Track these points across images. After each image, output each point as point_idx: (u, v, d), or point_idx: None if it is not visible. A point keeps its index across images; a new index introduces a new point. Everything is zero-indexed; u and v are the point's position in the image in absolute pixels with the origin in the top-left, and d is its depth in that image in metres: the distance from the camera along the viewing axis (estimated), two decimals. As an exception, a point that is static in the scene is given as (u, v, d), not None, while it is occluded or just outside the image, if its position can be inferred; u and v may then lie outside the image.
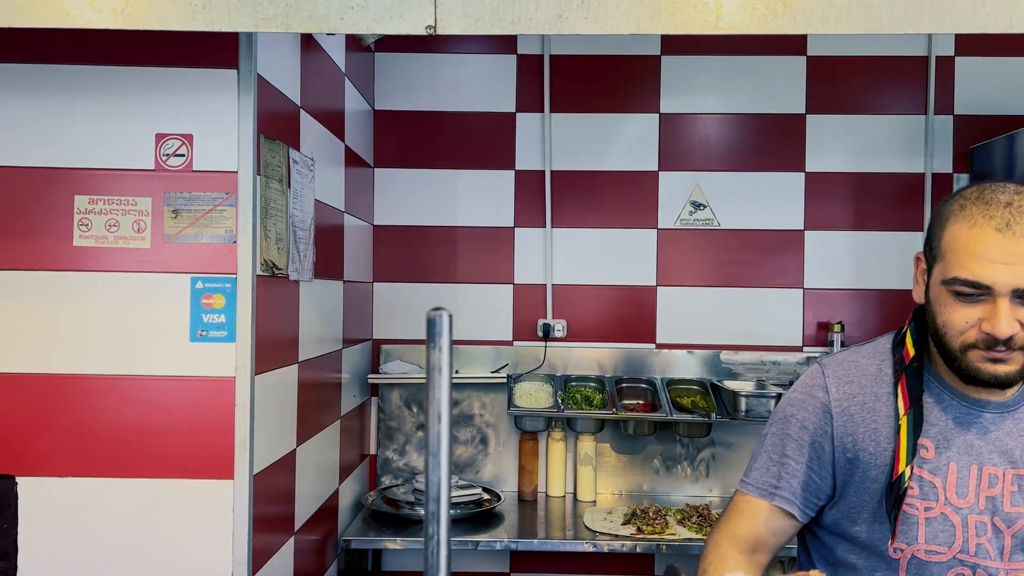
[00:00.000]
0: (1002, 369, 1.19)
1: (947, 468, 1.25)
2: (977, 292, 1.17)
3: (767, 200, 3.20)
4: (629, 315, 3.20)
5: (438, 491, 0.74)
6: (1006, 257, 1.14)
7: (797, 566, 1.43)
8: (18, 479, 1.83)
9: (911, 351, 1.29)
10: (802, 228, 3.20)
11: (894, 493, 1.22)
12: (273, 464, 2.04)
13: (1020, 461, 1.27)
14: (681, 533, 2.65)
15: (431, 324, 0.77)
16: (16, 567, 1.81)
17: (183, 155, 1.85)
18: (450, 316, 0.77)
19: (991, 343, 1.17)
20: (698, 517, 2.77)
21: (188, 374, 1.85)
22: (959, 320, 1.19)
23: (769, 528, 1.35)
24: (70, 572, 1.82)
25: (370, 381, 3.12)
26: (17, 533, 1.82)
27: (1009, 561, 1.24)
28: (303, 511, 2.33)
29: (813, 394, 1.34)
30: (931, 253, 1.25)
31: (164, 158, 1.85)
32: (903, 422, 1.24)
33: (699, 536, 2.63)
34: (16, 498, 1.82)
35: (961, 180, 3.17)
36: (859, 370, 1.33)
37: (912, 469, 1.23)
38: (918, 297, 1.32)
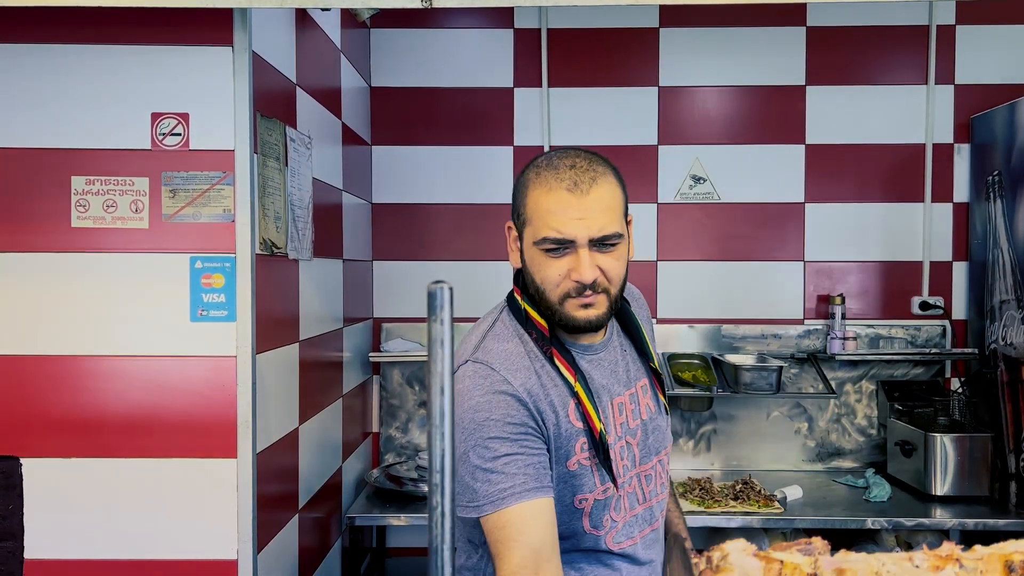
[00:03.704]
0: (592, 313, 1.33)
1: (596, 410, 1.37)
2: (562, 246, 1.30)
3: (767, 173, 3.19)
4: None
5: (442, 463, 0.73)
6: (579, 213, 1.29)
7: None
8: (22, 460, 1.83)
9: (543, 322, 1.37)
10: (803, 201, 3.19)
11: (603, 450, 1.33)
12: (276, 442, 2.05)
13: (626, 383, 1.44)
14: (684, 506, 2.66)
15: (432, 297, 0.76)
16: (23, 547, 1.82)
17: (179, 134, 1.84)
18: (451, 289, 0.77)
19: (580, 289, 1.31)
20: (700, 490, 2.78)
21: (189, 354, 1.85)
22: (553, 274, 1.32)
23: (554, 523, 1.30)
24: (76, 552, 1.83)
25: (371, 359, 3.12)
26: (23, 514, 1.82)
27: (642, 463, 1.41)
28: (307, 489, 2.34)
29: (497, 390, 1.32)
30: (519, 220, 1.37)
31: (160, 137, 1.84)
32: (579, 388, 1.34)
33: (701, 508, 2.64)
34: (21, 479, 1.83)
35: (962, 150, 3.15)
36: (516, 356, 1.36)
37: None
38: (515, 263, 1.42)
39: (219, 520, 1.84)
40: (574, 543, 1.37)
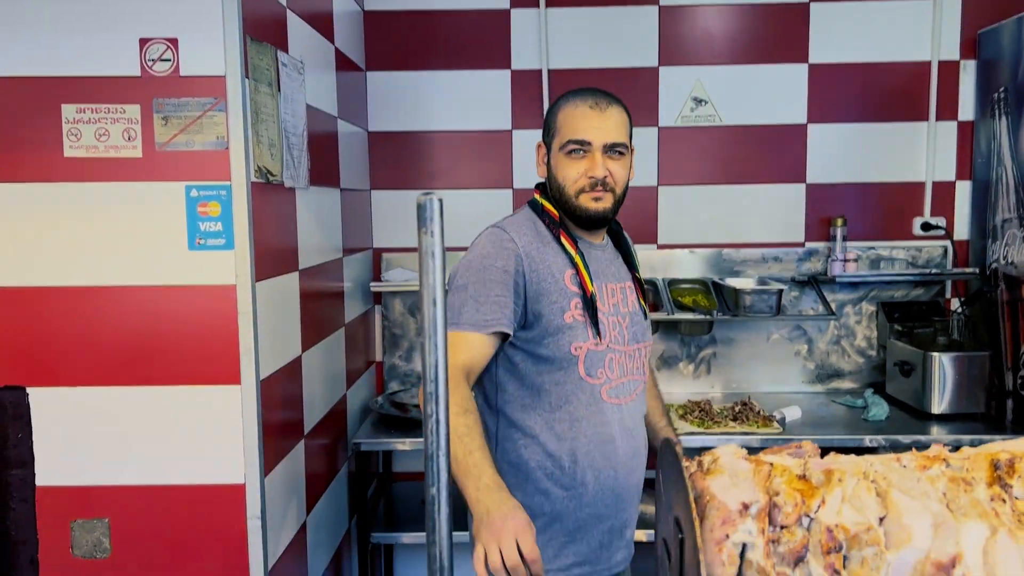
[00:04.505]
0: (601, 205, 1.70)
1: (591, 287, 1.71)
2: (581, 148, 1.68)
3: (770, 94, 3.13)
4: (630, 216, 3.14)
5: (436, 372, 0.74)
6: (598, 124, 1.68)
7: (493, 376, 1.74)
8: (29, 390, 1.86)
9: (554, 211, 1.75)
10: (805, 122, 3.15)
11: (591, 306, 1.68)
12: (279, 370, 2.07)
13: (619, 277, 1.79)
14: (683, 428, 2.70)
15: (422, 209, 0.76)
16: (34, 474, 1.86)
17: (169, 60, 1.81)
18: (440, 200, 0.76)
19: (593, 184, 1.68)
20: (700, 412, 2.81)
21: (189, 283, 1.85)
22: (573, 172, 1.69)
23: (483, 354, 1.63)
24: (86, 478, 1.87)
25: (372, 289, 3.13)
26: (32, 442, 1.86)
27: (628, 344, 1.75)
28: (312, 415, 2.38)
29: (504, 246, 1.68)
30: (548, 135, 1.75)
31: (150, 63, 1.81)
32: (578, 259, 1.70)
33: (700, 430, 2.68)
34: (28, 408, 1.86)
35: (968, 67, 3.09)
36: (527, 228, 1.74)
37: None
38: (541, 174, 1.80)
39: (226, 445, 1.88)
40: (575, 394, 1.69)
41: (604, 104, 1.70)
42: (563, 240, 1.72)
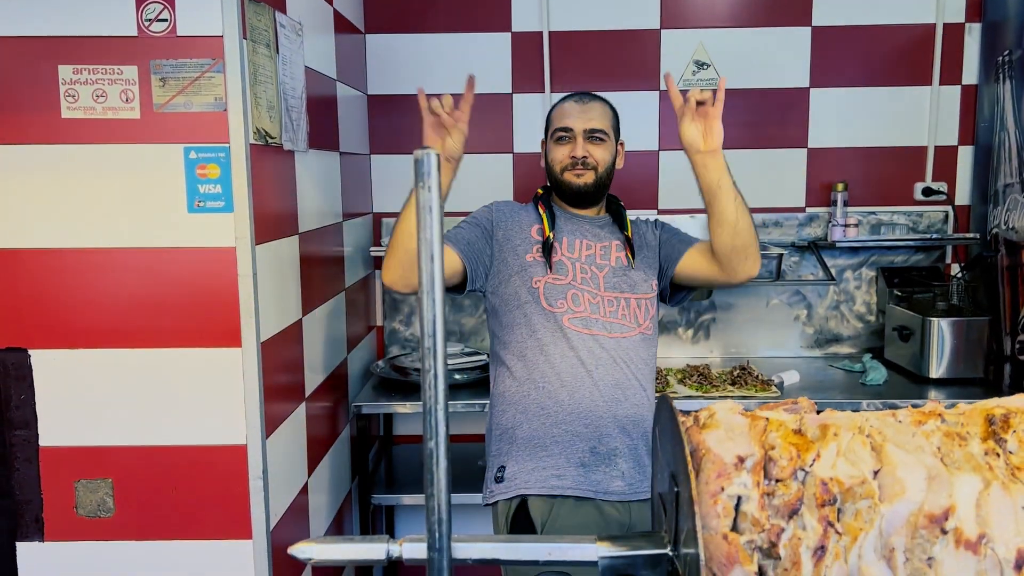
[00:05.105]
0: (582, 181, 2.06)
1: (563, 239, 2.06)
2: (566, 134, 2.06)
3: (772, 57, 3.11)
4: (631, 182, 3.16)
5: (433, 327, 0.74)
6: (579, 114, 2.06)
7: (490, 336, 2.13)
8: (31, 351, 1.86)
9: (540, 192, 2.15)
10: (807, 86, 3.12)
11: (547, 246, 2.02)
12: (280, 333, 2.08)
13: (601, 239, 2.09)
14: (682, 391, 2.72)
15: (419, 164, 0.76)
16: (38, 435, 1.88)
17: (166, 19, 1.79)
18: (437, 156, 0.76)
19: (575, 163, 2.04)
20: (698, 376, 2.83)
21: (189, 245, 1.85)
22: (559, 154, 2.07)
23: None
24: (89, 439, 1.89)
25: (372, 254, 3.13)
26: (35, 403, 1.87)
27: (606, 291, 2.02)
28: (313, 379, 2.39)
29: (486, 207, 2.13)
30: (546, 133, 2.13)
31: (147, 23, 1.79)
32: (544, 216, 2.06)
33: (699, 393, 2.70)
34: (30, 370, 1.87)
35: (972, 30, 3.06)
36: (514, 203, 2.18)
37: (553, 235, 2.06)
38: (543, 164, 2.15)
39: (227, 407, 1.89)
40: (541, 324, 1.97)
41: (587, 100, 2.08)
42: (539, 207, 2.10)
